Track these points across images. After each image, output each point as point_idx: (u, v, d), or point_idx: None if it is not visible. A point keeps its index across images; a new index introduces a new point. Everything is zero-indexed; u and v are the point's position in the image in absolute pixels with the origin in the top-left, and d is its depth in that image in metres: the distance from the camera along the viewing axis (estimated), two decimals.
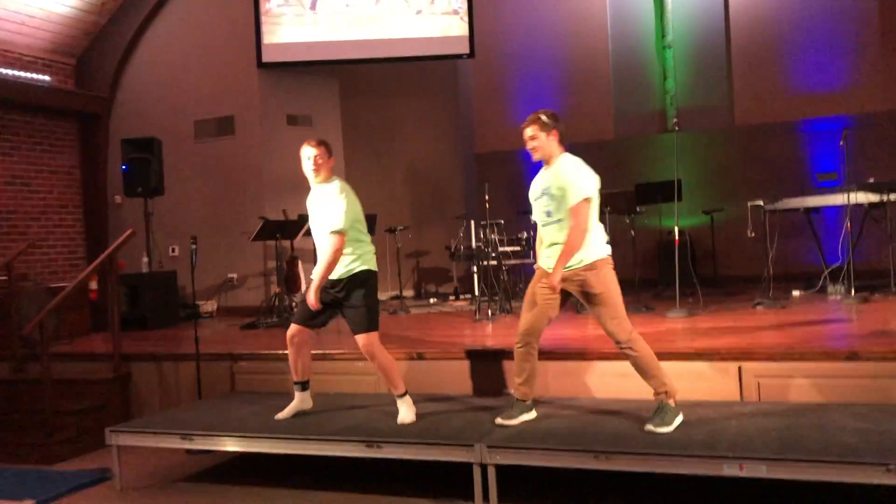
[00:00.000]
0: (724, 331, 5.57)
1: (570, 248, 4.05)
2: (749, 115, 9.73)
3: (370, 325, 4.54)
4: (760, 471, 3.51)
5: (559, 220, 4.15)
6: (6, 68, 9.01)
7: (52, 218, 9.57)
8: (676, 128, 7.06)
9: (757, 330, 5.52)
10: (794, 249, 8.54)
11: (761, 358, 4.58)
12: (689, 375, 4.70)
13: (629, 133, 10.29)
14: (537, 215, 4.30)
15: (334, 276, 4.54)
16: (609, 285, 4.12)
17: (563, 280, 4.12)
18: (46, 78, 9.53)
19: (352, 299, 4.53)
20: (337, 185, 4.60)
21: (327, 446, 4.32)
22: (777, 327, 5.58)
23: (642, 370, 4.12)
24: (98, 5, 9.56)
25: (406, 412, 4.56)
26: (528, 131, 4.23)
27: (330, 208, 4.50)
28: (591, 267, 4.10)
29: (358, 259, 4.56)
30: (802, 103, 9.41)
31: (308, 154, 4.64)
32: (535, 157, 4.26)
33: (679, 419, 4.06)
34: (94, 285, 8.42)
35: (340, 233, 4.44)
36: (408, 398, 4.62)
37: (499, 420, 4.29)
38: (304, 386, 4.87)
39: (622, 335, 4.09)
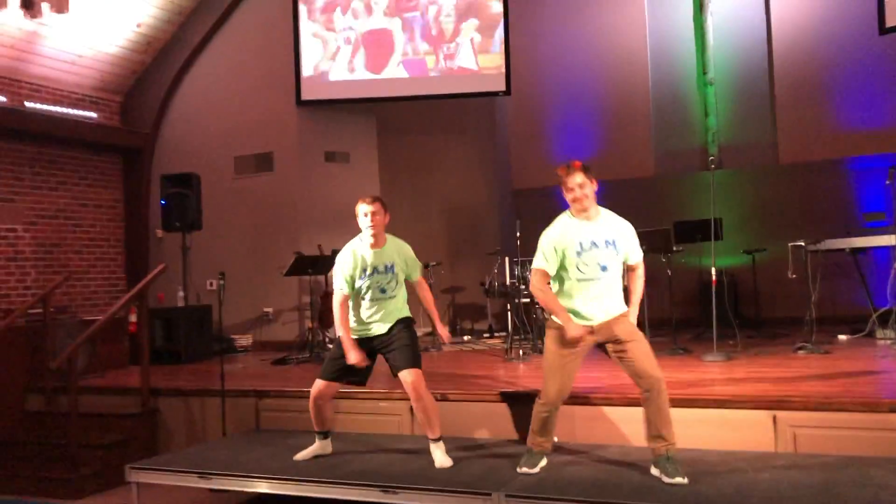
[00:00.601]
0: (761, 377, 5.35)
1: (641, 296, 4.30)
2: (793, 152, 9.49)
3: (419, 361, 4.58)
4: None
5: (611, 274, 4.11)
6: (56, 105, 9.27)
7: (94, 251, 9.75)
8: (714, 166, 6.91)
9: (796, 376, 5.29)
10: (841, 291, 8.23)
11: (797, 407, 4.37)
12: (721, 423, 4.52)
13: (670, 170, 10.11)
14: (585, 269, 4.06)
15: (383, 330, 4.63)
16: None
17: (596, 331, 4.10)
18: (93, 115, 9.78)
19: (401, 339, 4.59)
20: (404, 244, 4.85)
21: (344, 490, 4.23)
22: (818, 374, 5.34)
23: (661, 414, 3.96)
24: (144, 45, 9.81)
25: (443, 457, 4.47)
26: (579, 178, 4.02)
27: (408, 261, 4.78)
28: (626, 313, 4.17)
29: (405, 306, 4.75)
30: (848, 141, 9.14)
31: (365, 210, 4.61)
32: (584, 205, 4.04)
33: None
34: (133, 318, 8.50)
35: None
36: (441, 443, 4.53)
37: (522, 469, 4.16)
38: (325, 435, 4.85)
39: (659, 372, 4.01)
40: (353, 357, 4.51)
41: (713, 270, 6.44)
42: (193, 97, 10.12)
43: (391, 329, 4.62)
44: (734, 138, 9.91)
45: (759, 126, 9.83)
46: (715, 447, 4.46)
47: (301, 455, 4.74)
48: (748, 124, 9.90)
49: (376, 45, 9.58)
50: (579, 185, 4.02)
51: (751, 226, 9.33)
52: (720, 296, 6.55)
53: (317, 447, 4.79)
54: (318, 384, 4.66)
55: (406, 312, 4.73)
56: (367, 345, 4.65)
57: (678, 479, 3.81)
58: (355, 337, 4.63)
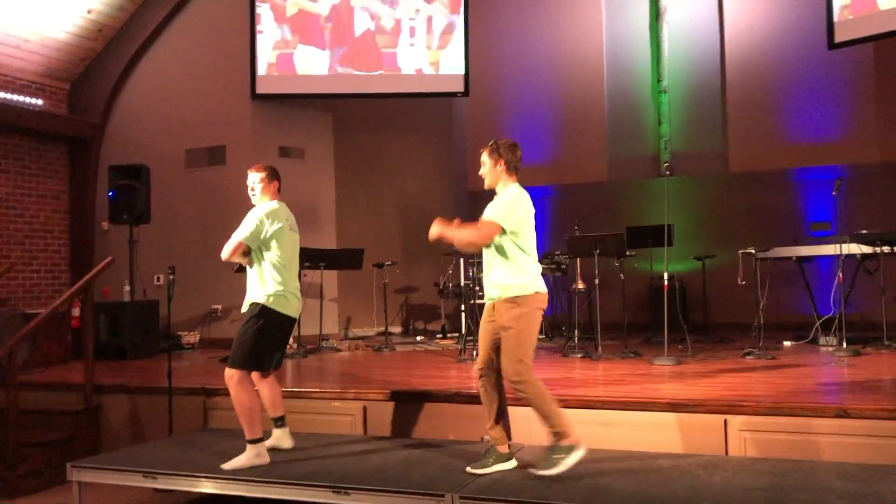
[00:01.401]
0: (711, 381, 5.43)
1: (460, 238, 4.13)
2: (743, 162, 9.69)
3: (241, 361, 4.41)
4: None
5: (487, 251, 4.16)
6: None
7: (37, 242, 9.45)
8: (668, 172, 7.02)
9: (745, 381, 5.38)
10: (787, 299, 8.43)
11: (748, 412, 4.44)
12: (673, 427, 4.56)
13: (623, 176, 10.23)
14: None
15: (244, 307, 4.56)
16: (523, 324, 4.04)
17: (494, 308, 4.14)
18: (39, 102, 9.48)
19: (241, 327, 4.50)
20: (267, 206, 4.58)
21: (294, 491, 4.15)
22: (765, 379, 5.44)
23: (535, 410, 4.07)
24: (95, 32, 9.55)
25: (238, 458, 4.38)
26: (481, 157, 4.24)
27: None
28: (512, 301, 4.06)
29: (265, 293, 4.48)
30: (797, 152, 9.37)
31: (248, 181, 4.70)
32: (485, 184, 4.25)
33: (574, 458, 3.97)
34: (76, 312, 8.26)
35: (243, 244, 4.43)
36: (258, 447, 4.41)
37: (471, 468, 4.13)
38: (280, 422, 4.77)
39: (513, 375, 4.03)
40: None
41: (665, 275, 6.52)
42: (145, 87, 9.88)
43: (247, 314, 4.55)
44: (686, 146, 10.08)
45: (711, 135, 10.01)
46: (666, 450, 4.51)
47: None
48: (700, 133, 10.07)
49: (335, 39, 9.49)
50: (481, 162, 4.23)
51: (701, 232, 9.49)
52: (671, 301, 6.64)
53: (273, 440, 4.71)
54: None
55: (262, 300, 4.48)
56: None
57: (531, 470, 3.97)
58: None
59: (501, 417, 4.23)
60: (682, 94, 10.16)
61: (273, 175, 4.71)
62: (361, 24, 9.49)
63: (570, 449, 3.99)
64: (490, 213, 4.16)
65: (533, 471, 3.96)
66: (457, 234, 4.12)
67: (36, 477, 5.46)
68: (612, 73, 10.37)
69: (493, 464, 4.15)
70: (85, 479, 4.67)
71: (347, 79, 9.50)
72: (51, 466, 5.49)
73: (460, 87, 9.55)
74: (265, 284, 4.47)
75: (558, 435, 4.02)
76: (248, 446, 4.39)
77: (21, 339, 5.66)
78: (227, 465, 4.34)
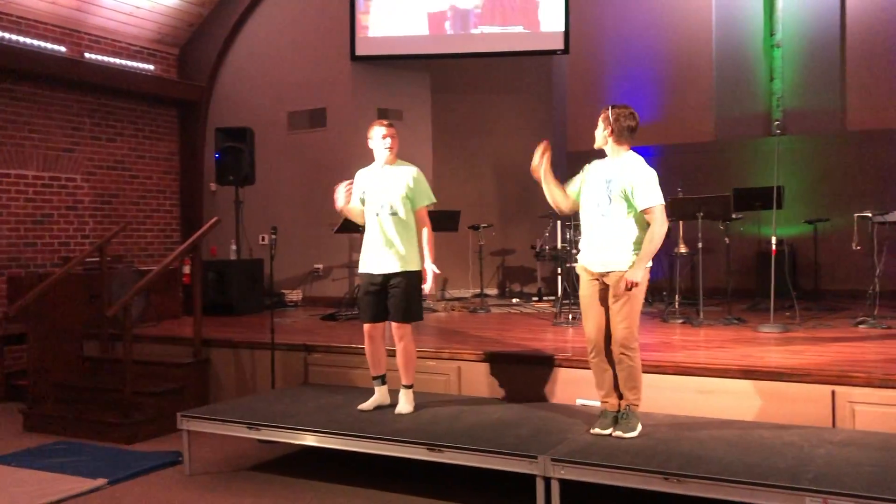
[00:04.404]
0: (819, 350, 5.19)
1: (653, 248, 4.06)
2: (862, 119, 9.11)
3: (413, 317, 4.78)
4: None
5: (607, 216, 4.12)
6: (113, 57, 9.35)
7: (150, 202, 9.89)
8: (779, 131, 6.68)
9: (856, 351, 5.12)
10: None
11: (858, 383, 4.23)
12: (777, 396, 4.40)
13: (731, 135, 9.80)
14: (588, 205, 4.24)
15: (392, 268, 4.72)
16: (641, 291, 4.11)
17: (605, 275, 4.14)
18: (150, 67, 9.85)
19: (401, 290, 4.73)
20: (415, 169, 4.95)
21: (389, 447, 4.24)
22: (879, 349, 5.16)
23: (627, 380, 4.11)
24: None
25: (408, 403, 4.77)
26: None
27: (416, 187, 4.91)
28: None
29: (418, 259, 4.81)
30: None
31: (383, 133, 4.87)
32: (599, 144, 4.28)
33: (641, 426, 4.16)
34: (187, 269, 8.63)
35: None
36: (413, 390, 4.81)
37: (621, 433, 4.10)
38: (382, 380, 4.94)
39: (630, 341, 4.07)
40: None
41: (773, 240, 6.25)
42: (249, 51, 10.12)
43: (403, 276, 4.76)
44: (800, 103, 9.55)
45: (827, 91, 9.44)
46: (769, 420, 4.36)
47: (364, 405, 4.88)
48: (815, 89, 9.51)
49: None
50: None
51: (813, 195, 9.02)
52: (779, 266, 6.36)
53: (377, 397, 4.91)
54: (364, 328, 4.89)
55: (414, 262, 4.80)
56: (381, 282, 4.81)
57: (618, 433, 4.10)
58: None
59: (617, 383, 4.23)
60: (797, 48, 9.60)
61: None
62: None
63: (638, 417, 4.18)
64: (637, 186, 4.10)
65: (618, 433, 4.09)
66: (650, 253, 4.07)
67: (149, 424, 5.78)
68: (722, 26, 9.90)
69: (637, 425, 4.17)
70: (193, 429, 4.91)
71: (445, 39, 9.44)
72: (162, 415, 5.80)
73: (560, 45, 9.33)
74: (417, 251, 4.84)
75: (634, 406, 4.16)
76: (409, 391, 4.79)
77: (135, 295, 5.95)
78: (401, 410, 4.72)
